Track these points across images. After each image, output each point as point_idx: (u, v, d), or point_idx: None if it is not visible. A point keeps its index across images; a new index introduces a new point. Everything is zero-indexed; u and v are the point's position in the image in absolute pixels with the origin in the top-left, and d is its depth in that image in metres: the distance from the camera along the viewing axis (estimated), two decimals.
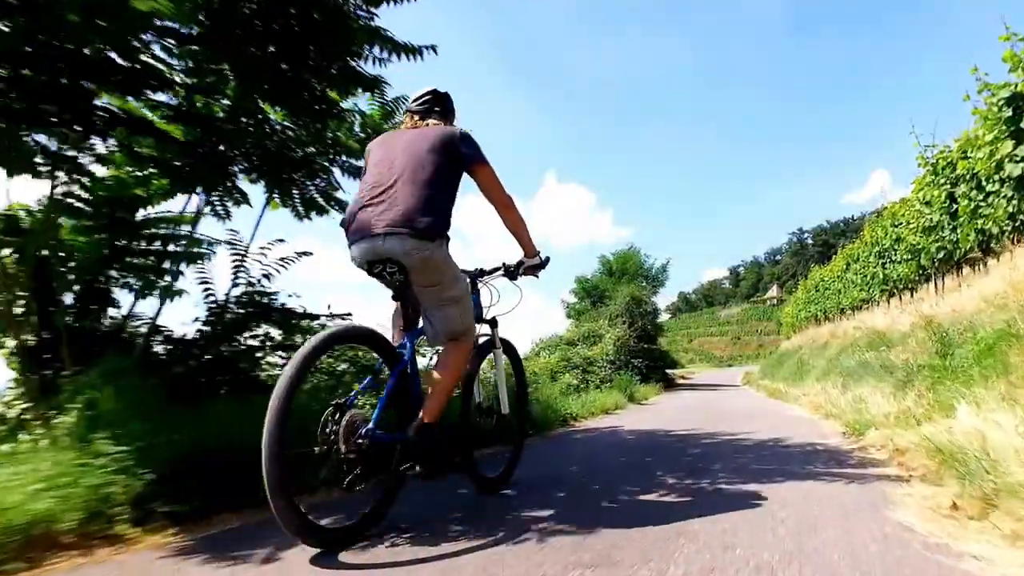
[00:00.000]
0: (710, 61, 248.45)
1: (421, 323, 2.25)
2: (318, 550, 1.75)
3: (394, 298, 2.24)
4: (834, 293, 14.74)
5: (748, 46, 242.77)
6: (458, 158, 2.15)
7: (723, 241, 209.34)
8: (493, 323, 2.70)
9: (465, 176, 2.22)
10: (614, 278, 17.37)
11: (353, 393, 1.93)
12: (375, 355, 2.11)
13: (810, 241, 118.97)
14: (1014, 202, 5.29)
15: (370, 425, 1.88)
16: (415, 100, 2.39)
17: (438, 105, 2.37)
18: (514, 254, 2.55)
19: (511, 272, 2.58)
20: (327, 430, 1.80)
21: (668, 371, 30.23)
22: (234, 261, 3.78)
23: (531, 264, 2.51)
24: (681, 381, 21.88)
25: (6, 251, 2.96)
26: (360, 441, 1.83)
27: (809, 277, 17.18)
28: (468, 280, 2.49)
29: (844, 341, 10.37)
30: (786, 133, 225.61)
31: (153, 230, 3.56)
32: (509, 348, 2.85)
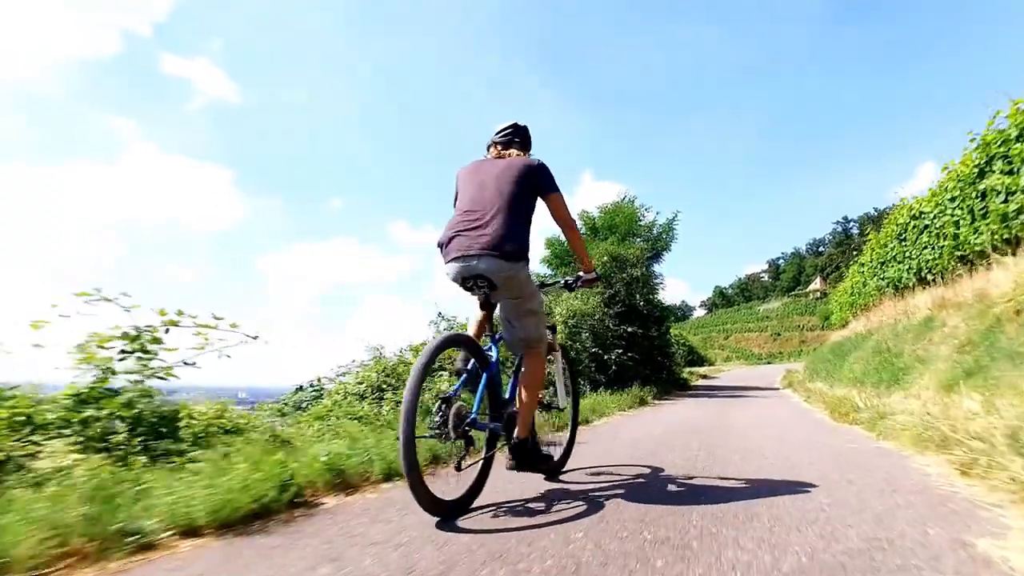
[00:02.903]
0: (748, 52, 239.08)
1: (501, 331, 2.68)
2: (438, 518, 2.10)
3: (481, 307, 2.61)
4: (939, 236, 8.45)
5: (788, 34, 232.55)
6: (537, 187, 2.54)
7: (762, 237, 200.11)
8: (552, 328, 3.03)
9: None
10: (599, 239, 12.82)
11: (455, 388, 2.33)
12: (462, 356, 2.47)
13: (856, 230, 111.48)
14: None
15: (473, 415, 2.27)
16: (498, 132, 2.73)
17: (518, 137, 2.72)
18: None
19: (570, 285, 2.96)
20: (436, 419, 2.18)
21: (691, 368, 26.01)
22: None
23: (587, 279, 2.90)
24: (700, 382, 17.33)
25: None
26: (466, 428, 2.24)
27: (889, 219, 10.94)
28: (543, 296, 2.79)
29: (976, 310, 5.80)
30: (827, 125, 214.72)
31: None
32: (565, 350, 3.25)
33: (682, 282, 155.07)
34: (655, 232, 14.20)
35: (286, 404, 6.25)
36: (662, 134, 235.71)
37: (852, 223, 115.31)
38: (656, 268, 14.13)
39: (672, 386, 13.36)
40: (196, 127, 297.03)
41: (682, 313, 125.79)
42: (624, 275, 10.36)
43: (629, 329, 10.25)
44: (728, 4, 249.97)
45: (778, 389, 12.73)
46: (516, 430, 2.45)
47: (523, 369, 2.56)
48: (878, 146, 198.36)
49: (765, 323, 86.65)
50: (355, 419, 4.36)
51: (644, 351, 11.05)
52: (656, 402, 8.97)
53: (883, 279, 11.02)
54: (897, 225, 9.76)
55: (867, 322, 12.76)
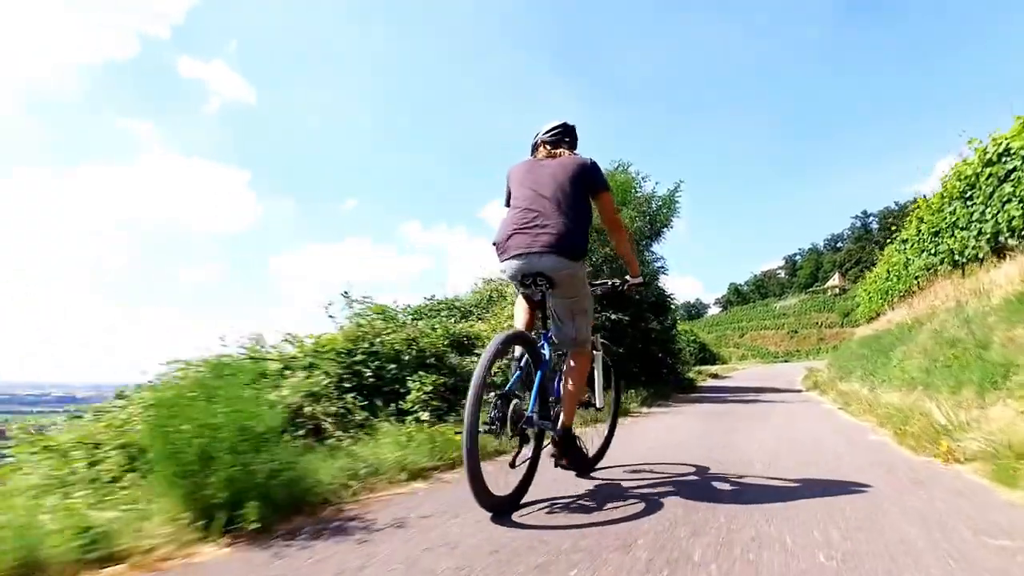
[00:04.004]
0: (763, 48, 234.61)
1: (552, 329, 2.59)
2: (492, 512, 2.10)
3: (534, 305, 2.62)
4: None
5: (805, 30, 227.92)
6: (590, 186, 2.54)
7: (778, 234, 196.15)
8: (595, 328, 2.93)
9: None
10: None
11: (509, 384, 2.27)
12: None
13: (875, 225, 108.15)
14: None
15: (529, 412, 2.25)
16: (547, 132, 2.73)
17: (567, 136, 2.73)
18: None
19: (616, 288, 2.94)
20: (494, 414, 2.15)
21: (702, 367, 23.78)
22: None
23: (634, 282, 2.89)
24: (710, 382, 15.17)
25: None
26: (523, 426, 2.24)
27: (949, 176, 8.41)
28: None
29: None
30: (844, 121, 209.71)
31: None
32: (608, 349, 3.25)
33: (697, 282, 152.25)
34: (654, 206, 12.06)
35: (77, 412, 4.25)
36: (676, 131, 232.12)
37: (872, 217, 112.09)
38: (656, 249, 12.01)
39: (674, 388, 11.25)
40: (212, 129, 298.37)
41: (696, 311, 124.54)
42: (608, 249, 8.24)
43: (613, 316, 8.15)
44: (746, 1, 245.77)
45: (801, 391, 10.56)
46: (560, 419, 2.48)
47: (570, 365, 2.55)
48: (897, 142, 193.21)
49: (782, 320, 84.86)
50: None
51: (637, 345, 8.95)
52: (645, 410, 6.88)
53: (935, 254, 8.81)
54: (961, 180, 7.51)
55: (911, 309, 10.54)
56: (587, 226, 2.48)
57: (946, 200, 8.06)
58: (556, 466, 2.53)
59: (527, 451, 2.36)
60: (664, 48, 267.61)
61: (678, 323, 17.73)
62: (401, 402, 4.55)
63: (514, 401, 2.19)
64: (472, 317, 7.29)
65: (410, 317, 7.18)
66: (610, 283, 2.94)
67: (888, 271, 13.49)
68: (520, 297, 2.66)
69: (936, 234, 8.69)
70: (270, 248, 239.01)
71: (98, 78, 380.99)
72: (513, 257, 2.38)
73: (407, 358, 5.29)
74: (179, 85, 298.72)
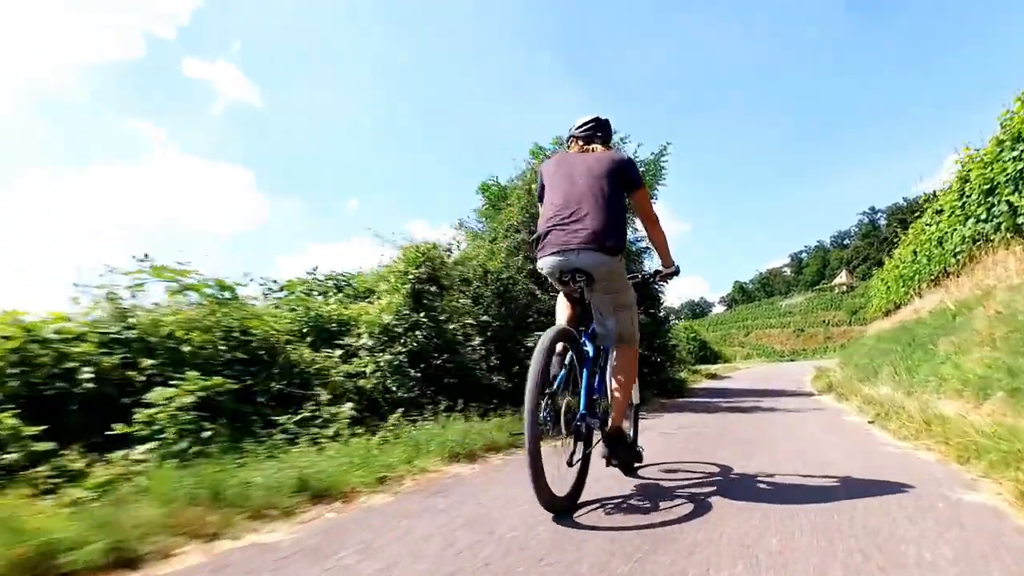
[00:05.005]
0: (767, 46, 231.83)
1: (594, 325, 2.55)
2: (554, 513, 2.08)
3: (572, 302, 2.59)
4: None
5: (809, 27, 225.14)
6: (627, 181, 2.50)
7: (784, 232, 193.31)
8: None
9: None
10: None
11: (556, 383, 2.16)
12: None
13: (883, 222, 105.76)
14: None
15: (583, 410, 2.23)
16: (579, 127, 2.71)
17: (600, 131, 2.70)
18: None
19: (648, 279, 2.91)
20: (545, 415, 2.05)
21: (702, 366, 21.72)
22: None
23: (666, 273, 2.80)
24: (705, 384, 13.22)
25: None
26: (577, 424, 2.21)
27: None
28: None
29: None
30: (850, 119, 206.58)
31: None
32: None
33: (705, 282, 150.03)
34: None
35: None
36: (676, 131, 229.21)
37: (879, 214, 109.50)
38: (640, 224, 10.01)
39: (658, 391, 9.29)
40: (218, 129, 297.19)
41: (700, 310, 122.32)
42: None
43: None
44: (746, 1, 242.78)
45: (813, 395, 8.57)
46: (611, 420, 2.41)
47: (616, 362, 2.48)
48: (898, 142, 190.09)
49: (787, 319, 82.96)
50: None
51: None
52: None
53: (989, 218, 6.77)
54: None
55: (948, 293, 8.51)
56: (624, 221, 2.43)
57: (1007, 144, 6.07)
58: (608, 465, 2.47)
59: (579, 449, 2.27)
60: (664, 48, 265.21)
61: (669, 318, 15.77)
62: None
63: (566, 399, 2.19)
64: (373, 296, 5.34)
65: (277, 293, 5.20)
66: (640, 275, 2.92)
67: (915, 252, 11.43)
68: (561, 294, 2.62)
69: (991, 192, 6.69)
70: (278, 248, 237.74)
71: (107, 79, 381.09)
72: (551, 254, 2.34)
73: (187, 350, 3.31)
74: (185, 85, 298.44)
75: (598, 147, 2.62)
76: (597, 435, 2.36)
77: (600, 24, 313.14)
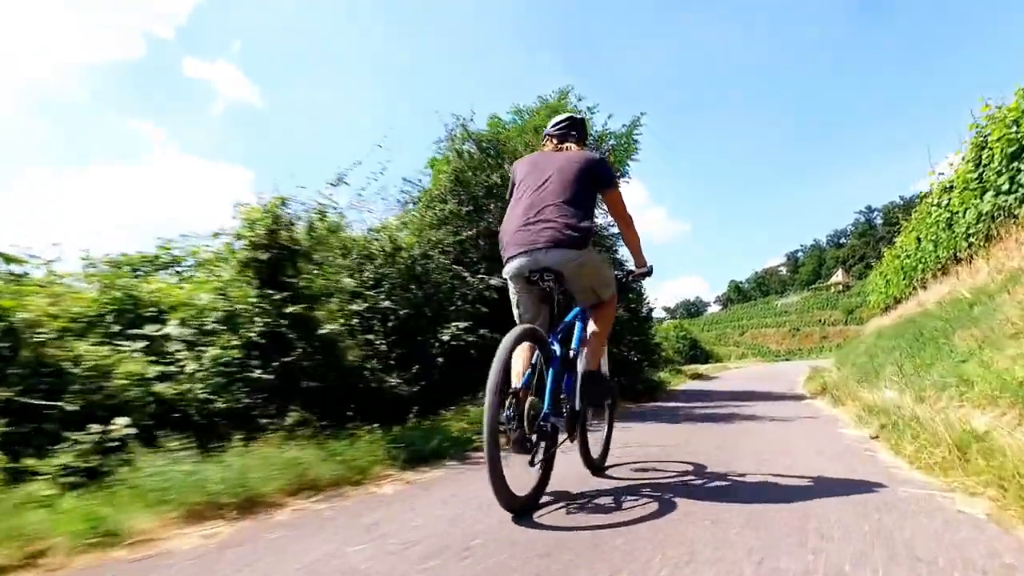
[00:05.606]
0: (764, 46, 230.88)
1: (562, 327, 2.48)
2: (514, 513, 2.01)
3: (541, 301, 2.50)
4: None
5: (807, 28, 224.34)
6: (599, 181, 2.48)
7: (780, 231, 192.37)
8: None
9: None
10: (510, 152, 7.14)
11: (522, 383, 2.12)
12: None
13: (879, 221, 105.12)
14: None
15: (546, 410, 2.15)
16: (554, 125, 2.70)
17: (575, 130, 2.68)
18: None
19: (621, 280, 2.78)
20: (509, 413, 1.98)
21: (689, 365, 20.46)
22: None
23: (639, 273, 2.80)
24: (688, 385, 12.12)
25: None
26: (541, 424, 2.12)
27: None
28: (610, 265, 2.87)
29: None
30: (847, 119, 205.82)
31: None
32: None
33: (705, 282, 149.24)
34: (608, 145, 8.88)
35: None
36: (676, 131, 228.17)
37: (876, 212, 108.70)
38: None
39: (628, 395, 8.10)
40: (218, 129, 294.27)
41: (696, 309, 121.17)
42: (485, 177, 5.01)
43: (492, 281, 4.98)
44: (746, 1, 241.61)
45: (804, 399, 7.39)
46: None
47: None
48: (897, 142, 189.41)
49: (783, 318, 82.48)
50: None
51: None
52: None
53: (1013, 188, 5.59)
54: None
55: (959, 281, 7.36)
56: (591, 216, 2.40)
57: None
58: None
59: (541, 450, 2.23)
60: (664, 48, 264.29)
61: (651, 315, 14.60)
62: None
63: (530, 399, 2.11)
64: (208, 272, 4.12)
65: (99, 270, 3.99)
66: (615, 275, 2.76)
67: (919, 239, 10.25)
68: (525, 294, 2.47)
69: (1017, 155, 5.51)
70: None
71: (106, 79, 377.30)
72: (518, 255, 2.31)
73: None
74: (185, 85, 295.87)
75: (572, 146, 2.61)
76: (562, 436, 2.31)
77: (600, 24, 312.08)
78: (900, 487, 2.30)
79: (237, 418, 3.02)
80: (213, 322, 3.24)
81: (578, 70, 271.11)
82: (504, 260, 2.39)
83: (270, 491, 2.18)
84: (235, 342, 3.26)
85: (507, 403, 1.99)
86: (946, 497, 2.09)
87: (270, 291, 3.46)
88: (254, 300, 3.38)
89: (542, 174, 2.41)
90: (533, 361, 2.23)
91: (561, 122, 2.69)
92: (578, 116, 2.76)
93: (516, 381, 2.10)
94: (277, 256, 3.51)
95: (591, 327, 2.48)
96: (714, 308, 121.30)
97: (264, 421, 3.07)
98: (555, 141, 2.65)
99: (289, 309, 3.47)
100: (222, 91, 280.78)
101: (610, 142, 8.86)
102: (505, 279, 2.49)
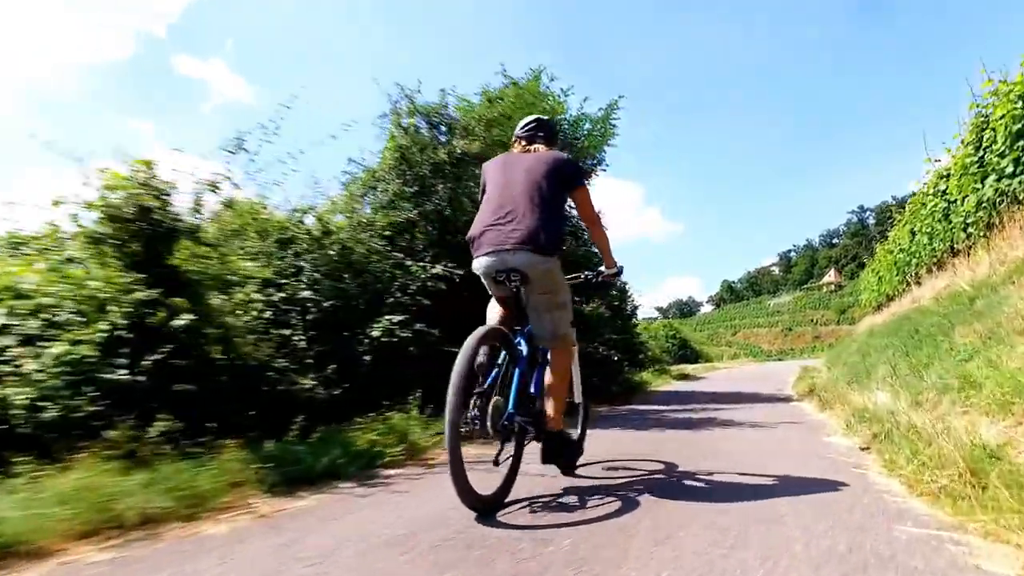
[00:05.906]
0: (760, 46, 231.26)
1: (530, 325, 2.45)
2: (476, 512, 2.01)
3: (507, 302, 2.49)
4: None
5: (802, 28, 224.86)
6: (567, 181, 2.47)
7: (773, 230, 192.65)
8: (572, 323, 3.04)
9: None
10: (469, 138, 6.51)
11: (488, 382, 2.11)
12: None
13: (872, 220, 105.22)
14: None
15: (510, 409, 2.16)
16: (522, 127, 2.72)
17: (542, 131, 2.69)
18: None
19: (590, 281, 2.86)
20: (473, 413, 2.01)
21: (677, 365, 19.92)
22: None
23: (609, 274, 2.79)
24: (669, 386, 11.60)
25: None
26: (505, 423, 2.14)
27: None
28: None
29: None
30: (841, 119, 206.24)
31: None
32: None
33: (701, 283, 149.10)
34: (584, 130, 8.30)
35: None
36: (677, 131, 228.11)
37: (868, 212, 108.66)
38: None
39: (600, 397, 7.53)
40: (212, 127, 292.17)
41: (688, 309, 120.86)
42: (455, 190, 4.41)
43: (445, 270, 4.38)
44: (746, 1, 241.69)
45: (791, 400, 6.85)
46: (549, 423, 2.40)
47: (552, 362, 2.46)
48: (896, 142, 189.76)
49: (775, 318, 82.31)
50: None
51: None
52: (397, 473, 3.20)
53: (1019, 171, 5.05)
54: None
55: (956, 275, 6.84)
56: (562, 221, 2.47)
57: None
58: (544, 463, 2.45)
59: (509, 449, 2.25)
60: (664, 48, 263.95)
61: (635, 313, 14.05)
62: None
63: (494, 399, 2.11)
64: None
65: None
66: (583, 276, 2.88)
67: (913, 232, 9.73)
68: (493, 292, 2.51)
69: (1023, 135, 4.96)
70: None
71: (106, 79, 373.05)
72: (486, 254, 2.32)
73: None
74: (178, 84, 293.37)
75: (540, 147, 2.62)
76: (531, 432, 2.32)
77: (600, 24, 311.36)
78: (896, 525, 1.74)
79: (76, 429, 2.42)
80: (51, 307, 2.64)
81: (578, 70, 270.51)
82: (473, 257, 2.38)
83: (46, 535, 1.59)
84: (88, 337, 2.66)
85: (471, 403, 2.00)
86: (959, 545, 1.53)
87: (141, 275, 2.86)
88: (117, 286, 2.78)
89: (511, 175, 2.43)
90: (499, 361, 2.23)
91: (529, 124, 2.71)
92: (545, 118, 2.79)
93: (480, 380, 2.07)
94: (150, 234, 2.91)
95: (547, 378, 2.44)
96: (707, 308, 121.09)
97: (114, 434, 2.47)
98: (523, 142, 2.67)
99: (168, 299, 2.88)
100: (217, 89, 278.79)
101: (586, 126, 8.29)
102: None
